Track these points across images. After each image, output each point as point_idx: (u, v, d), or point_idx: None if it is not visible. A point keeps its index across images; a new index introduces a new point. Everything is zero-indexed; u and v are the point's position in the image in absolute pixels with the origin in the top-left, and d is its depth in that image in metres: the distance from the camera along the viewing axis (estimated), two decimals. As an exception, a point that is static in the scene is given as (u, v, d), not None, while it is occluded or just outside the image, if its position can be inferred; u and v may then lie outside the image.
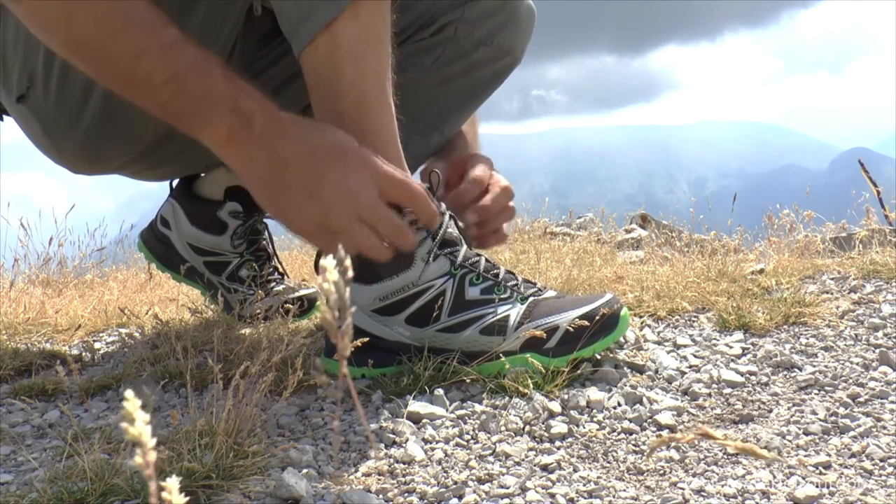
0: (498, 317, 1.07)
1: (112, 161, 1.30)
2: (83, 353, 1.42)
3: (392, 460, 0.86)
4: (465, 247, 1.10)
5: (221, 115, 0.91)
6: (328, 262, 0.36)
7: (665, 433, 0.94)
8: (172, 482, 0.33)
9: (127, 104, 0.98)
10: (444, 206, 1.10)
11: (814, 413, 0.98)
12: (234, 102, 0.92)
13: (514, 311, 1.07)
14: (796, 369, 1.11)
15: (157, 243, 1.58)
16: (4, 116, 1.34)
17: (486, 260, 1.11)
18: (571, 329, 1.05)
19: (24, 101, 1.23)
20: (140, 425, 0.32)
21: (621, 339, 1.19)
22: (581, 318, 1.06)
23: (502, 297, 1.08)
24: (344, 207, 0.94)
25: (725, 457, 0.87)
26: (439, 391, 1.01)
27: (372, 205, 0.95)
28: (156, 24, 0.91)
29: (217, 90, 0.91)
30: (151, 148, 1.28)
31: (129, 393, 0.33)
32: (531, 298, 1.09)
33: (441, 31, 1.30)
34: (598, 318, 1.06)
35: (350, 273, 0.37)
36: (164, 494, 0.33)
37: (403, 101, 1.08)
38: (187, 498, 0.33)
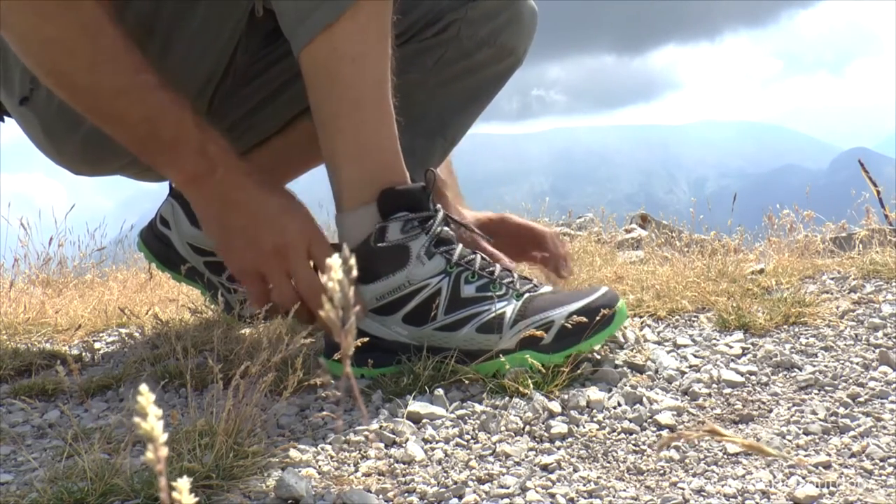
0: (494, 314, 1.07)
1: (113, 162, 1.31)
2: (83, 353, 1.42)
3: (392, 460, 0.86)
4: (460, 245, 1.10)
5: (189, 157, 1.01)
6: (334, 260, 0.36)
7: (665, 433, 0.94)
8: (184, 482, 0.33)
9: None
10: (438, 205, 1.10)
11: (814, 413, 0.98)
12: (203, 147, 1.01)
13: (510, 308, 1.07)
14: (796, 369, 1.11)
15: (156, 243, 1.57)
16: (5, 117, 1.34)
17: (482, 258, 1.11)
18: (569, 325, 1.05)
19: (27, 103, 1.23)
20: (152, 420, 0.32)
21: (621, 340, 1.19)
22: (577, 312, 1.06)
23: (498, 293, 1.08)
24: (276, 260, 1.04)
25: (725, 457, 0.87)
26: (439, 391, 1.01)
27: (300, 265, 1.04)
28: (136, 66, 0.98)
29: (188, 134, 1.01)
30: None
31: (143, 387, 0.33)
32: (527, 294, 1.09)
33: (444, 30, 1.30)
34: (594, 310, 1.06)
35: (354, 272, 0.37)
36: (174, 494, 0.33)
37: (404, 102, 1.08)
38: (196, 499, 0.33)
